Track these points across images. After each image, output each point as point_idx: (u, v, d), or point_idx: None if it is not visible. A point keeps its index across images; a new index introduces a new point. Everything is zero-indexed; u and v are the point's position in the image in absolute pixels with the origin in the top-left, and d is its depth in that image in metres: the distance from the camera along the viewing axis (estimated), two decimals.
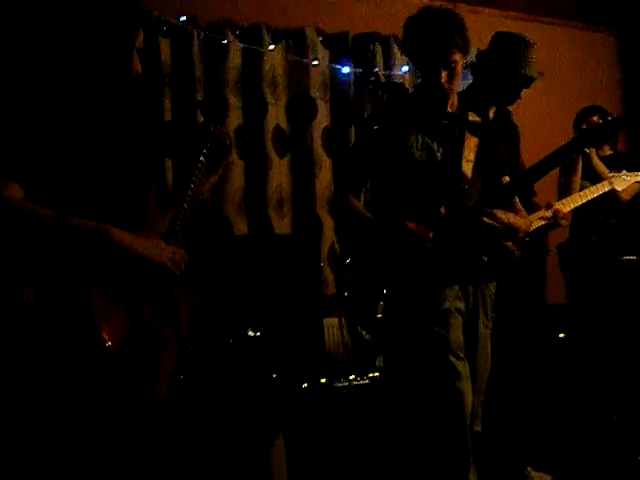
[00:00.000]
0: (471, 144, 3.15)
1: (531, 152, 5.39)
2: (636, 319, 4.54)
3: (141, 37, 2.42)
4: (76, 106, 2.32)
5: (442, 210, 3.02)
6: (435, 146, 3.07)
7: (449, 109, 3.12)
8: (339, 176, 3.22)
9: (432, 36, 2.96)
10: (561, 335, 4.81)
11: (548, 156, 3.24)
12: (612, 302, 4.63)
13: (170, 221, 2.49)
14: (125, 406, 2.23)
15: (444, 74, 3.00)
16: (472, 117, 3.21)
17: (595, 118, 4.73)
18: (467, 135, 3.15)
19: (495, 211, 3.00)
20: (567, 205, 3.99)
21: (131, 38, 2.38)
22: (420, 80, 3.22)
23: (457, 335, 2.94)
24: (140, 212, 2.42)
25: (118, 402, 2.21)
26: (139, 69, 2.41)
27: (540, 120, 5.33)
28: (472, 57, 5.12)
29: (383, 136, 3.05)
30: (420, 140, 3.06)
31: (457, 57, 3.03)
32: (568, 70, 5.69)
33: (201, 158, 2.64)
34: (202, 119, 3.06)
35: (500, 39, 3.79)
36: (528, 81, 3.76)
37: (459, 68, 3.06)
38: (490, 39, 3.86)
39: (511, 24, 5.45)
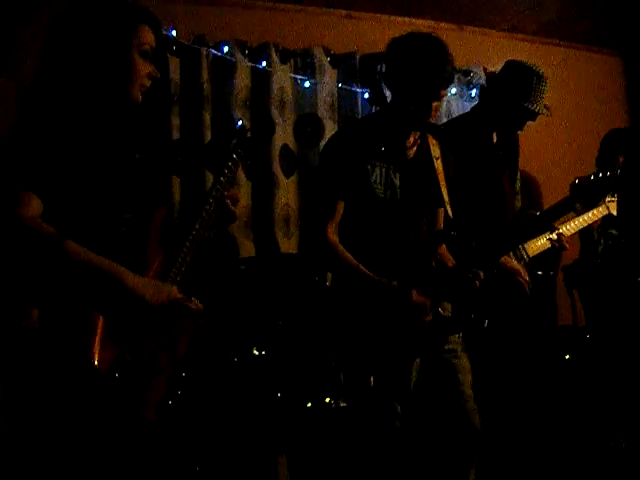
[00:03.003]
0: (443, 181, 3.14)
1: (534, 173, 5.46)
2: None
3: (147, 38, 2.36)
4: (86, 123, 2.30)
5: (443, 261, 3.02)
6: (399, 180, 3.03)
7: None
8: (314, 211, 3.09)
9: (429, 68, 2.90)
10: (567, 357, 4.80)
11: (545, 213, 3.29)
12: (621, 324, 4.62)
13: (176, 251, 2.45)
14: (110, 429, 2.20)
15: (434, 105, 2.99)
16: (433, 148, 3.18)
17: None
18: (439, 168, 3.13)
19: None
20: (569, 230, 3.99)
21: (127, 39, 2.32)
22: (387, 106, 3.13)
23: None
24: (145, 234, 2.40)
25: (102, 425, 2.18)
26: (153, 73, 2.37)
27: (544, 142, 5.34)
28: (480, 77, 5.17)
29: (344, 164, 2.98)
30: (380, 172, 3.01)
31: (445, 91, 3.02)
32: (574, 92, 5.70)
33: (206, 209, 2.56)
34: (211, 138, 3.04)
35: (512, 68, 3.76)
36: (533, 115, 3.75)
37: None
38: (503, 65, 3.85)
39: (519, 46, 5.49)
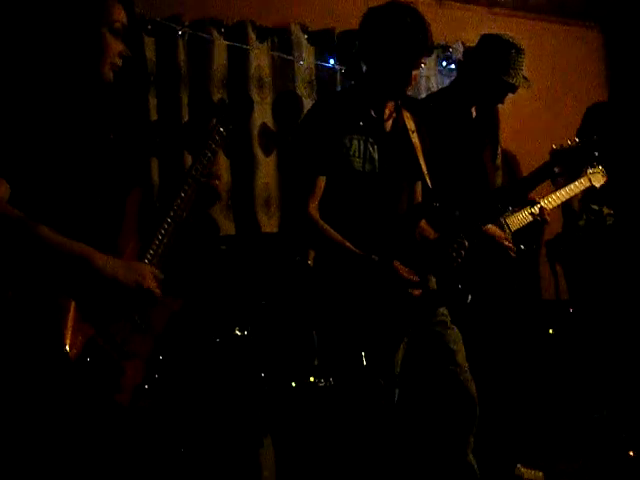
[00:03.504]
0: (421, 154, 3.12)
1: (514, 149, 5.46)
2: (627, 316, 4.54)
3: (118, 15, 2.31)
4: (55, 102, 2.26)
5: (425, 234, 3.00)
6: (377, 153, 3.01)
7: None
8: (295, 188, 3.05)
9: (406, 34, 2.88)
10: (550, 331, 4.81)
11: (525, 179, 3.28)
12: (603, 297, 4.63)
13: (152, 233, 2.41)
14: (82, 415, 2.17)
15: (414, 74, 2.96)
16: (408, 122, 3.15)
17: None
18: (415, 141, 3.10)
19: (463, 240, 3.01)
20: (551, 202, 3.97)
21: (98, 16, 2.28)
22: (363, 78, 3.11)
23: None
24: (119, 217, 2.36)
25: (74, 411, 2.15)
26: (125, 52, 2.33)
27: (524, 117, 5.33)
28: (459, 53, 5.14)
29: (321, 138, 2.95)
30: (359, 144, 2.98)
31: (425, 59, 3.00)
32: (554, 65, 5.69)
33: (184, 190, 2.51)
34: (189, 120, 3.00)
35: (489, 41, 3.73)
36: (513, 88, 3.72)
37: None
38: (479, 39, 3.82)
39: (498, 20, 5.46)
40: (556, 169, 3.62)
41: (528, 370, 4.39)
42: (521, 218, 3.84)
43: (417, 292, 2.91)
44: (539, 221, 3.86)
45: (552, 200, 3.98)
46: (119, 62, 2.33)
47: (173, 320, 2.46)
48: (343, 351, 2.96)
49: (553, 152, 3.64)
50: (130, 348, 2.28)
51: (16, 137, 2.13)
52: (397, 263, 2.87)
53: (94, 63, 2.29)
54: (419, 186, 3.17)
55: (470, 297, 3.05)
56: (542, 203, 3.89)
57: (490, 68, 3.65)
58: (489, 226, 3.61)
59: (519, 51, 3.66)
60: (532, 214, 3.82)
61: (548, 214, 3.88)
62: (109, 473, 2.28)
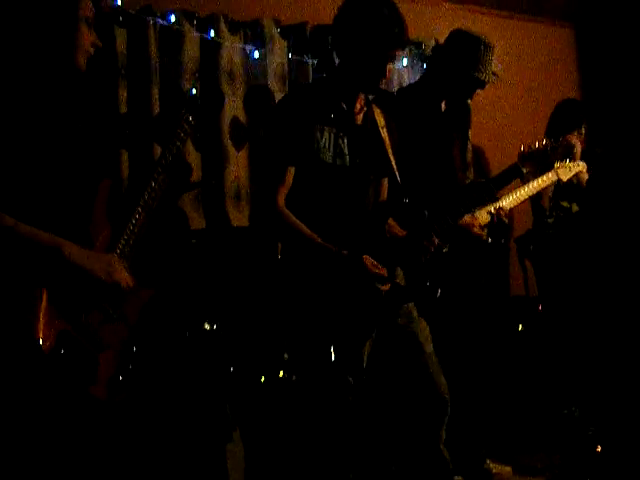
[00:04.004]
0: (390, 149, 3.11)
1: (484, 145, 5.48)
2: (596, 312, 4.57)
3: (89, 5, 2.31)
4: (27, 91, 2.23)
5: (393, 232, 2.99)
6: (347, 146, 2.99)
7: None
8: (264, 179, 3.03)
9: (386, 29, 2.87)
10: (520, 327, 4.83)
11: (492, 180, 3.29)
12: (572, 295, 4.65)
13: (123, 224, 2.39)
14: (56, 407, 2.15)
15: (389, 67, 2.96)
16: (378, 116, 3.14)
17: (574, 137, 4.74)
18: (385, 136, 3.10)
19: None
20: (508, 202, 3.90)
21: (73, 7, 2.27)
22: (335, 70, 3.09)
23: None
24: (88, 207, 2.34)
25: (49, 402, 2.13)
26: (97, 42, 2.31)
27: (495, 113, 5.35)
28: (429, 49, 5.14)
29: (291, 129, 2.92)
30: (329, 137, 2.96)
31: (400, 51, 2.99)
32: (526, 63, 5.72)
33: (154, 179, 2.49)
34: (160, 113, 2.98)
35: (458, 37, 3.73)
36: (482, 84, 3.73)
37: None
38: (448, 35, 3.82)
39: (471, 17, 5.47)
40: (524, 170, 3.62)
41: (498, 366, 4.40)
42: (483, 216, 3.82)
43: (385, 287, 2.90)
44: (495, 222, 3.81)
45: (513, 199, 3.93)
46: (92, 52, 2.32)
47: (144, 313, 2.44)
48: (311, 345, 2.95)
49: (520, 154, 3.65)
50: (103, 339, 2.26)
51: None
52: (366, 257, 2.86)
53: (69, 51, 2.28)
54: (385, 182, 3.16)
55: (440, 292, 3.05)
56: (501, 202, 3.84)
57: (459, 64, 3.65)
58: (465, 219, 3.60)
59: (488, 47, 3.67)
60: (489, 213, 3.80)
61: (506, 215, 3.81)
62: (82, 466, 2.27)
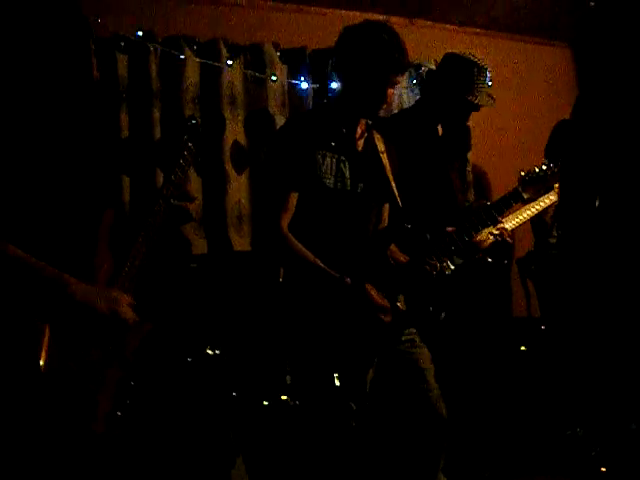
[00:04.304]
0: (390, 174, 3.12)
1: (483, 166, 5.49)
2: (600, 332, 4.55)
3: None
4: (30, 120, 2.24)
5: (395, 257, 2.99)
6: (348, 171, 2.99)
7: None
8: (266, 204, 3.03)
9: (387, 55, 2.90)
10: (522, 348, 4.82)
11: (493, 205, 3.30)
12: (575, 315, 4.64)
13: (125, 255, 2.38)
14: (58, 442, 2.14)
15: (389, 92, 2.97)
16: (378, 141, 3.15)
17: None
18: (385, 162, 3.11)
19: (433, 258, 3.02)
20: (510, 222, 3.92)
21: (87, 47, 2.30)
22: (336, 96, 3.13)
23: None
24: (92, 238, 2.34)
25: (50, 439, 2.12)
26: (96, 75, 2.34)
27: (494, 134, 5.36)
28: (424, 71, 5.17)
29: (294, 155, 2.94)
30: (331, 162, 2.97)
31: (400, 77, 3.01)
32: (525, 83, 5.73)
33: (156, 209, 2.50)
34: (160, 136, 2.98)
35: (451, 61, 3.73)
36: (476, 107, 3.73)
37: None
38: (442, 59, 3.83)
39: (469, 39, 5.50)
40: (525, 195, 3.61)
41: (501, 387, 4.39)
42: (484, 237, 3.83)
43: (388, 318, 2.90)
44: (499, 242, 3.83)
45: (516, 220, 3.95)
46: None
47: (144, 341, 2.43)
48: (314, 371, 2.94)
49: (521, 179, 3.64)
50: (103, 377, 2.25)
51: None
52: (369, 287, 2.86)
53: (88, 66, 2.30)
54: (387, 207, 3.17)
55: (443, 315, 3.05)
56: (505, 223, 3.86)
57: (453, 88, 3.65)
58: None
59: (481, 70, 3.66)
60: (492, 234, 3.81)
61: (509, 235, 3.83)
62: None
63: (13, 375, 2.08)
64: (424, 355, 3.14)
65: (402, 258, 3.11)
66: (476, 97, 3.64)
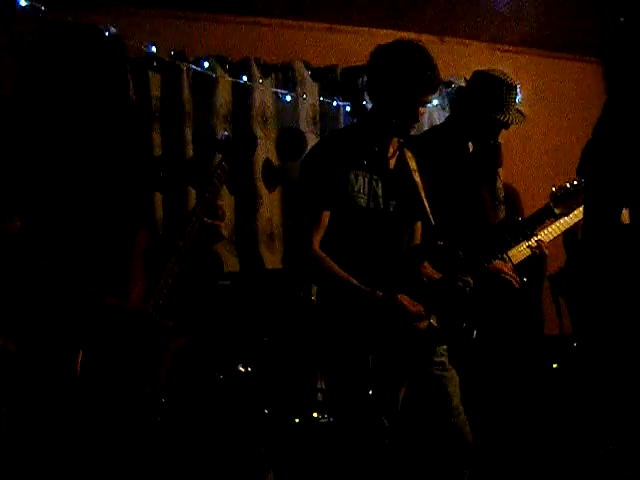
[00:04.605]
0: (424, 192, 3.13)
1: (515, 183, 5.47)
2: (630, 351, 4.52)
3: None
4: (67, 142, 2.29)
5: (428, 274, 3.00)
6: (381, 190, 3.00)
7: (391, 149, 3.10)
8: (299, 223, 3.03)
9: (413, 71, 2.89)
10: (554, 366, 4.79)
11: (525, 221, 3.30)
12: (608, 332, 4.60)
13: (158, 274, 2.41)
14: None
15: (421, 111, 2.99)
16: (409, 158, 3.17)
17: None
18: (417, 181, 3.11)
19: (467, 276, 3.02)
20: (549, 234, 3.95)
21: (124, 70, 2.36)
22: (368, 115, 3.13)
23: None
24: (126, 259, 2.37)
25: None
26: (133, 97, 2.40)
27: (526, 151, 5.36)
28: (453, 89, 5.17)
29: (326, 174, 2.94)
30: (363, 181, 2.97)
31: (430, 96, 3.02)
32: (556, 101, 5.72)
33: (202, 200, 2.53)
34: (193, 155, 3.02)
35: (480, 79, 3.71)
36: (505, 125, 3.72)
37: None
38: (471, 76, 3.83)
39: (500, 56, 5.50)
40: (557, 210, 3.60)
41: (532, 405, 4.37)
42: (521, 252, 3.83)
43: (423, 325, 2.90)
44: (537, 254, 3.84)
45: (551, 231, 3.96)
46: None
47: (178, 356, 2.46)
48: (349, 387, 2.95)
49: (552, 195, 3.64)
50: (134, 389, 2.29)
51: (30, 174, 2.16)
52: (402, 296, 2.86)
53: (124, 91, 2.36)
54: (419, 225, 3.18)
55: (475, 333, 3.05)
56: (540, 235, 3.87)
57: (481, 106, 3.64)
58: (498, 263, 3.62)
59: (510, 88, 3.65)
60: (530, 247, 3.81)
61: (546, 247, 3.85)
62: None
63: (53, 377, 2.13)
64: (453, 379, 3.14)
65: (435, 275, 3.11)
66: (505, 115, 3.64)
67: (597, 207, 2.71)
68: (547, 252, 3.88)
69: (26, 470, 2.17)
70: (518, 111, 3.73)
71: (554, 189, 3.64)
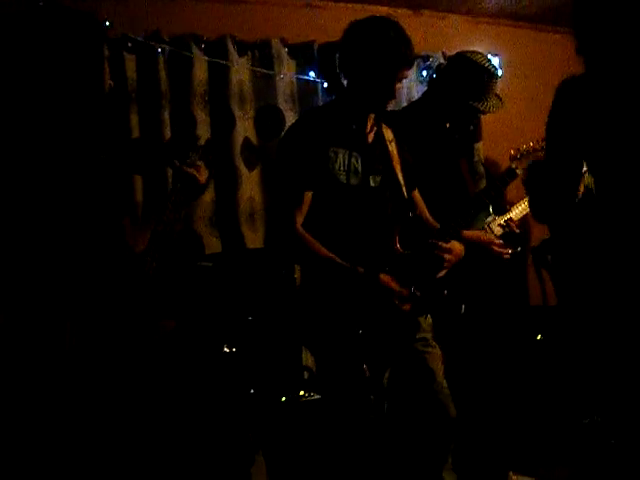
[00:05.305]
0: (398, 165, 3.12)
1: (497, 156, 5.47)
2: (617, 320, 4.53)
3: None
4: (45, 127, 2.27)
5: (398, 247, 2.98)
6: (360, 165, 3.00)
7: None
8: (281, 204, 3.03)
9: (394, 51, 2.88)
10: (538, 337, 4.81)
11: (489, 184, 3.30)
12: (592, 303, 4.61)
13: (148, 243, 2.42)
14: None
15: (398, 86, 2.97)
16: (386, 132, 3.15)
17: None
18: (393, 152, 3.10)
19: (450, 245, 3.02)
20: (517, 212, 3.92)
21: (100, 53, 2.34)
22: (344, 92, 3.10)
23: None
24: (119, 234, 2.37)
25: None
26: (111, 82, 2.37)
27: (508, 124, 5.34)
28: (441, 62, 5.14)
29: (306, 153, 2.94)
30: (343, 158, 2.97)
31: (407, 72, 3.00)
32: (536, 73, 5.70)
33: (177, 184, 2.55)
34: (172, 137, 3.00)
35: (462, 64, 3.68)
36: (483, 112, 3.72)
37: None
38: (453, 58, 3.80)
39: (478, 28, 5.47)
40: (518, 171, 3.60)
41: (517, 377, 4.39)
42: (496, 229, 3.82)
43: (407, 307, 2.91)
44: (507, 232, 3.82)
45: (522, 210, 3.94)
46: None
47: (164, 340, 2.46)
48: (335, 365, 2.95)
49: (511, 156, 3.64)
50: None
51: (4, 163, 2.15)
52: (384, 276, 2.86)
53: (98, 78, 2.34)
54: (416, 194, 3.18)
55: (464, 307, 3.06)
56: (511, 213, 3.85)
57: (460, 93, 3.62)
58: (476, 231, 3.62)
59: (492, 76, 3.63)
60: (501, 226, 3.80)
61: (517, 225, 3.83)
62: None
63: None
64: (436, 355, 3.14)
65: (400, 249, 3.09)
66: (483, 104, 3.63)
67: (557, 169, 2.70)
68: (517, 231, 3.85)
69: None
70: (497, 96, 3.72)
71: (512, 152, 3.65)
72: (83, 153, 2.36)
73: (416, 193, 3.21)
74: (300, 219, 2.92)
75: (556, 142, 2.64)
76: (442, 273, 3.05)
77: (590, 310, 4.56)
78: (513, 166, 3.60)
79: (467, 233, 3.39)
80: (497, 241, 3.71)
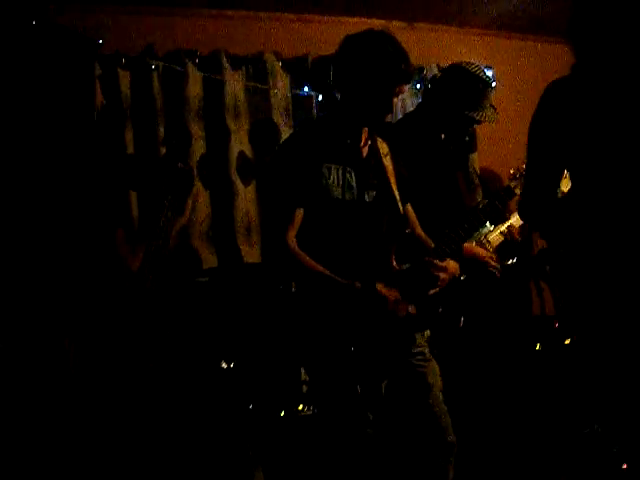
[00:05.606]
0: (393, 178, 3.10)
1: (492, 167, 5.47)
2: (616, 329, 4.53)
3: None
4: (40, 142, 2.27)
5: (394, 264, 2.97)
6: (355, 180, 2.97)
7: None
8: (273, 221, 3.00)
9: (393, 67, 2.85)
10: (537, 346, 4.80)
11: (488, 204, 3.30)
12: (591, 312, 4.61)
13: (142, 258, 2.42)
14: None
15: (395, 101, 2.95)
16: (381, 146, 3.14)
17: None
18: (388, 166, 3.09)
19: (446, 263, 3.00)
20: (518, 219, 3.91)
21: (91, 71, 2.35)
22: (338, 106, 3.06)
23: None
24: (110, 250, 2.37)
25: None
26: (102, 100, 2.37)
27: (501, 134, 5.34)
28: (434, 74, 5.15)
29: (299, 169, 2.90)
30: (337, 173, 2.94)
31: (404, 87, 2.99)
32: (530, 83, 5.70)
33: (168, 197, 2.56)
34: (165, 152, 3.01)
35: (457, 74, 3.68)
36: (478, 122, 3.71)
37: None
38: (447, 68, 3.80)
39: (471, 40, 5.49)
40: (517, 190, 3.59)
41: (517, 386, 4.38)
42: (495, 238, 3.82)
43: (403, 312, 2.89)
44: (509, 240, 3.82)
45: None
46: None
47: (160, 354, 2.46)
48: (332, 380, 2.93)
49: (510, 176, 3.64)
50: None
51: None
52: (379, 285, 2.85)
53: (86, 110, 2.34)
54: (409, 208, 3.16)
55: (462, 320, 3.04)
56: (511, 220, 3.85)
57: (456, 103, 3.62)
58: (472, 246, 3.61)
59: (486, 85, 3.63)
60: (502, 233, 3.80)
61: (518, 232, 3.83)
62: None
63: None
64: (433, 369, 3.12)
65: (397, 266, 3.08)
66: (477, 114, 3.62)
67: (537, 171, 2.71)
68: (519, 238, 3.85)
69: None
70: (492, 107, 3.72)
71: (512, 171, 3.65)
72: (73, 168, 2.36)
73: (408, 207, 3.18)
74: (292, 235, 2.89)
75: (537, 141, 2.65)
76: (434, 291, 3.02)
77: (589, 318, 4.57)
78: (512, 185, 3.60)
79: (465, 249, 3.38)
80: (493, 256, 3.71)
